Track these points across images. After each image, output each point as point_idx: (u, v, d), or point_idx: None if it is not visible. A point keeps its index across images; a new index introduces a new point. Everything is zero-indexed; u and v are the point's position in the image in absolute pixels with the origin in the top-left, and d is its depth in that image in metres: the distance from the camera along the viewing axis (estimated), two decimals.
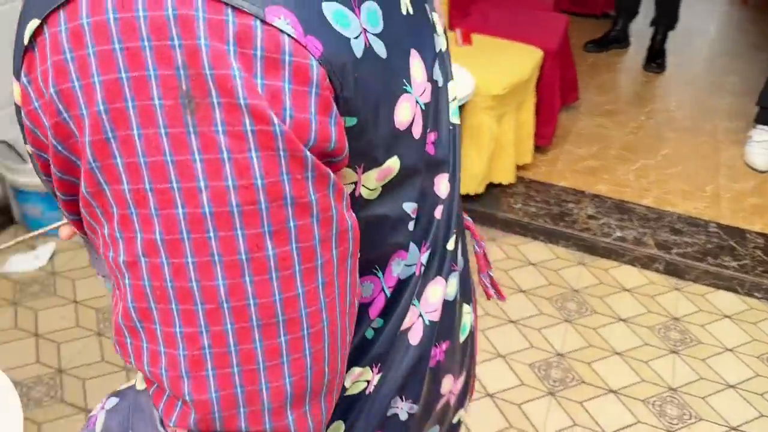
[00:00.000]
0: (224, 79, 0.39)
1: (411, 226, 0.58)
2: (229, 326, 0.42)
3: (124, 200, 0.41)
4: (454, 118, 0.63)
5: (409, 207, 0.57)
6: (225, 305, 0.42)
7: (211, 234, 0.40)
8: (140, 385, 0.52)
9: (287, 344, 0.44)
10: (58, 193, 0.47)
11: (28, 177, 2.24)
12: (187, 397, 0.43)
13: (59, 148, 0.43)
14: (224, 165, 0.40)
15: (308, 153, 0.41)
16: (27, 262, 2.26)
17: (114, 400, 0.57)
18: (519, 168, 2.78)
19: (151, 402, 0.48)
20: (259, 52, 0.39)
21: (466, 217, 0.80)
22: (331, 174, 0.44)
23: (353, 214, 0.47)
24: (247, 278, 0.42)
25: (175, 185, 0.40)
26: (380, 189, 0.52)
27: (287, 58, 0.40)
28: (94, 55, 0.39)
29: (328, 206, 0.44)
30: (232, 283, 0.42)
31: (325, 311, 0.45)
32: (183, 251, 0.41)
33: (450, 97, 0.62)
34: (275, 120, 0.40)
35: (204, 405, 0.43)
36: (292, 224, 0.42)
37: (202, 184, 0.40)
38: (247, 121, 0.39)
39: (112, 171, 0.41)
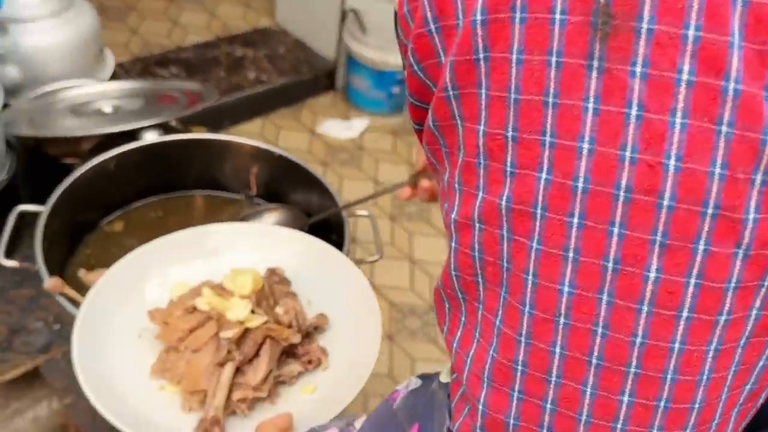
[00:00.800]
0: None
1: None
2: (557, 349, 0.32)
3: (475, 145, 0.32)
4: None
5: None
6: (560, 320, 0.32)
7: (575, 219, 0.30)
8: (445, 378, 0.44)
9: (629, 408, 0.32)
10: (411, 120, 0.38)
11: (365, 49, 2.29)
12: (480, 405, 0.35)
13: (416, 68, 0.34)
14: (626, 126, 0.28)
15: None
16: (340, 130, 2.34)
17: (417, 383, 0.49)
18: None
19: (447, 395, 0.40)
20: None
21: None
22: None
23: None
24: (604, 296, 0.31)
25: (547, 139, 0.30)
26: None
27: None
28: None
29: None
30: (580, 296, 0.31)
31: (704, 389, 0.32)
32: (530, 231, 0.31)
33: None
34: (734, 70, 0.27)
35: (496, 426, 0.35)
36: (701, 245, 0.29)
37: (585, 145, 0.29)
38: (686, 66, 0.27)
39: (471, 103, 0.32)
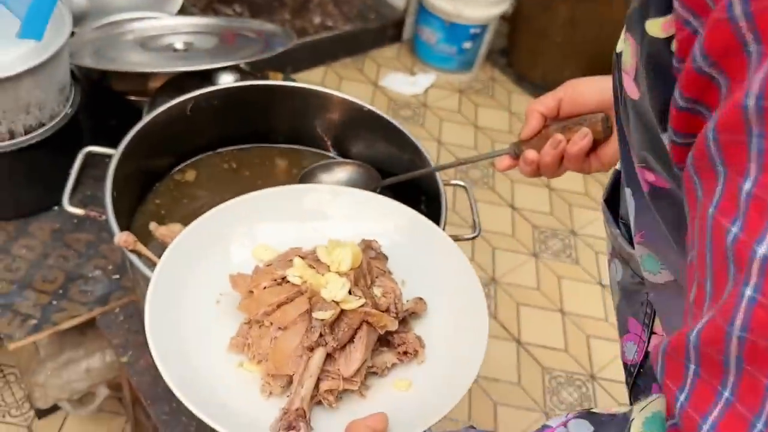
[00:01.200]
0: None
1: None
2: None
3: None
4: None
5: None
6: None
7: None
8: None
9: None
10: (671, 127, 0.30)
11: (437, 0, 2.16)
12: None
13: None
14: None
15: None
16: (404, 85, 2.23)
17: (582, 426, 0.40)
18: None
19: None
20: None
21: None
22: None
23: None
24: None
25: None
26: None
27: None
28: None
29: None
30: None
31: None
32: None
33: None
34: None
35: None
36: None
37: None
38: None
39: None
